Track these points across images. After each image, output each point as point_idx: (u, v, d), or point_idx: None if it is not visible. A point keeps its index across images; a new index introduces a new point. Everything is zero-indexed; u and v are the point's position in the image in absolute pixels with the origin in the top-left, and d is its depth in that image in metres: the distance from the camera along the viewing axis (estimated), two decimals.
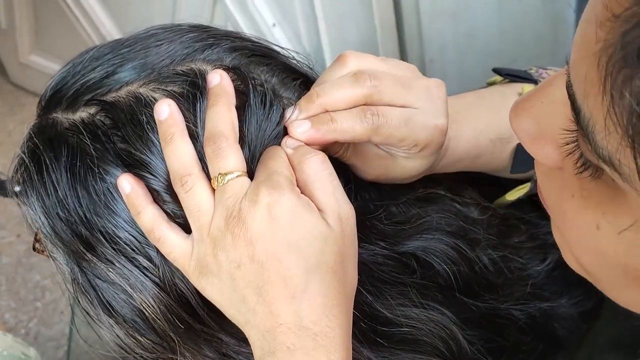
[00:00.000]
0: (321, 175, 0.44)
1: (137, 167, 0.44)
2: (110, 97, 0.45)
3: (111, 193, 0.45)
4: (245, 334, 0.43)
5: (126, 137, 0.44)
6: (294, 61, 0.50)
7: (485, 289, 0.52)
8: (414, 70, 0.48)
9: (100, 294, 0.47)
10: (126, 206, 0.44)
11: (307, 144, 0.45)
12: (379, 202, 0.49)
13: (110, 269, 0.46)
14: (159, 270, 0.45)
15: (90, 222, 0.45)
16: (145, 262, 0.45)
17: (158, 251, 0.45)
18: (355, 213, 0.44)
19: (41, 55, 1.89)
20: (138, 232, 0.45)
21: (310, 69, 0.51)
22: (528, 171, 0.54)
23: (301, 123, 0.45)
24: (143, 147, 0.44)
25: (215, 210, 0.43)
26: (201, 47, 0.47)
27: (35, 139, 0.46)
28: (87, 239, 0.45)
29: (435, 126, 0.46)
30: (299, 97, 0.48)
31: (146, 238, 0.45)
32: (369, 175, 0.49)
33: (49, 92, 0.48)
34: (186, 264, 0.44)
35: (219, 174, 0.43)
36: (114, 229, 0.45)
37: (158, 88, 0.45)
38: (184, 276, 0.45)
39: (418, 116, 0.46)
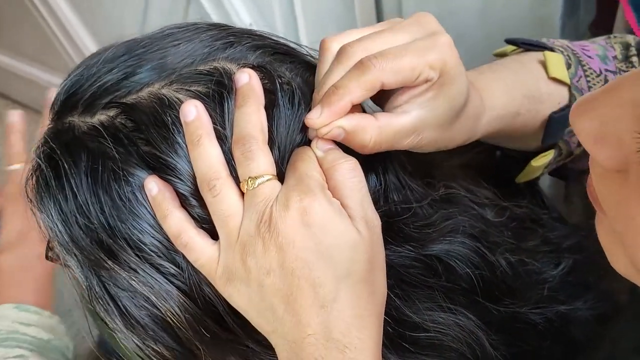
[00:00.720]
0: (351, 182, 0.42)
1: (163, 171, 0.43)
2: (130, 99, 0.44)
3: (136, 196, 0.43)
4: (272, 342, 0.42)
5: (150, 140, 0.43)
6: (315, 60, 0.49)
7: (504, 293, 0.51)
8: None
9: (119, 304, 0.45)
10: (151, 210, 0.43)
11: (333, 131, 0.43)
12: (406, 205, 0.48)
13: (133, 278, 0.44)
14: (185, 276, 0.44)
15: (113, 229, 0.43)
16: (171, 269, 0.44)
17: (185, 258, 0.44)
18: (382, 216, 0.44)
19: (4, 53, 1.86)
20: (164, 237, 0.43)
21: None
22: (560, 138, 0.54)
23: (314, 111, 0.43)
24: (169, 149, 0.43)
25: (245, 215, 0.42)
26: (222, 46, 0.46)
27: (51, 143, 0.45)
28: (108, 247, 0.44)
29: (439, 42, 0.43)
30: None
31: (172, 244, 0.43)
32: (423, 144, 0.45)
33: (63, 95, 0.46)
34: (213, 271, 0.43)
35: (249, 177, 0.41)
36: (138, 234, 0.43)
37: (181, 89, 0.44)
38: (211, 283, 0.44)
39: (418, 41, 0.43)
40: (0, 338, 0.68)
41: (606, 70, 0.54)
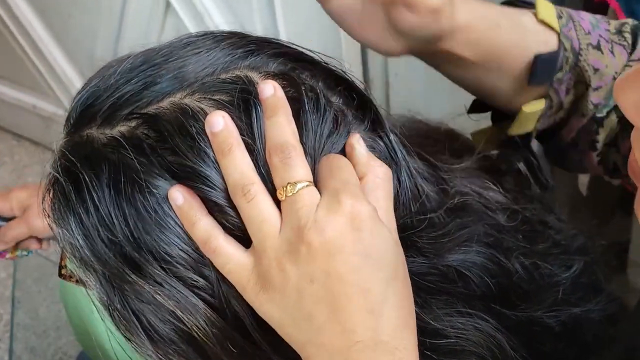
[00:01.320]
0: (384, 187, 0.44)
1: (192, 179, 0.42)
2: (152, 110, 0.43)
3: (162, 208, 0.42)
4: (303, 354, 0.41)
5: (176, 149, 0.42)
6: (333, 67, 0.49)
7: (520, 298, 0.51)
8: None
9: (142, 318, 0.44)
10: (178, 221, 0.42)
11: None
12: (422, 216, 0.48)
13: (159, 291, 0.43)
14: (214, 289, 0.43)
15: (138, 241, 0.42)
16: (199, 281, 0.43)
17: (213, 268, 0.43)
18: (398, 229, 0.44)
19: None
20: (192, 248, 0.43)
21: (347, 76, 0.50)
22: (544, 84, 0.54)
23: None
24: (197, 158, 0.42)
25: (284, 221, 0.41)
26: (243, 54, 0.45)
27: (69, 156, 0.44)
28: (133, 260, 0.43)
29: None
30: (344, 104, 0.47)
31: (200, 255, 0.43)
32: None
33: (79, 107, 0.45)
34: (244, 278, 0.42)
35: (288, 183, 0.41)
36: (165, 246, 0.42)
37: (204, 98, 0.43)
38: (239, 295, 0.43)
39: None
40: None
41: (597, 35, 0.55)
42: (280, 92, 0.43)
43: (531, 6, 0.55)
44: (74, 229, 0.43)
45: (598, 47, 0.54)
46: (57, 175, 0.44)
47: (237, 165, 0.41)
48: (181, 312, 0.43)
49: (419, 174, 0.49)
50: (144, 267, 0.43)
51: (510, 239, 0.52)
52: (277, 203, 0.42)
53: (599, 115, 0.56)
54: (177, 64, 0.44)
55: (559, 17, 0.55)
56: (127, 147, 0.42)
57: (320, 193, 0.42)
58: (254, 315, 0.43)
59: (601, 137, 0.57)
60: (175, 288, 0.43)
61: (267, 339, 0.44)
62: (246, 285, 0.41)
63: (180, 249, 0.42)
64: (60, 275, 0.49)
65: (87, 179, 0.43)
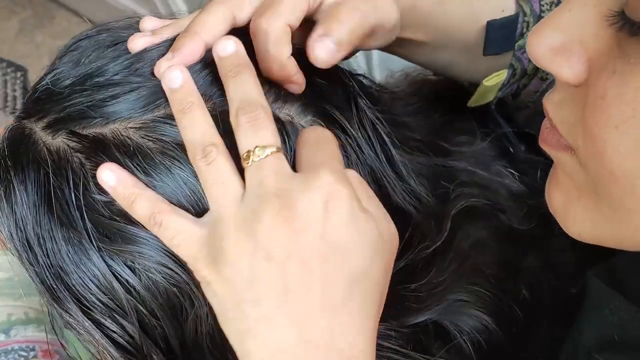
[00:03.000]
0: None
1: (118, 237, 0.40)
2: (93, 133, 0.40)
3: (83, 245, 0.40)
4: (240, 348, 0.36)
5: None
6: None
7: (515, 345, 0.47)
8: None
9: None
10: (97, 263, 0.40)
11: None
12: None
13: (76, 327, 0.42)
14: (133, 339, 0.41)
15: (57, 272, 0.41)
16: (115, 330, 0.41)
17: (136, 319, 0.40)
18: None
19: None
20: (109, 297, 0.40)
21: None
22: (502, 52, 0.50)
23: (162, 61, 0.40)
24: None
25: (248, 188, 0.36)
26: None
27: (7, 153, 0.41)
28: (51, 288, 0.41)
29: None
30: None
31: (118, 305, 0.40)
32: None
33: (35, 95, 0.42)
34: (194, 250, 0.37)
35: (256, 146, 0.36)
36: (80, 288, 0.40)
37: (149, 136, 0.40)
38: (160, 351, 0.41)
39: None
40: None
41: None
42: (243, 50, 0.39)
43: None
44: (5, 231, 0.42)
45: None
46: None
47: (198, 123, 0.37)
48: (96, 346, 0.42)
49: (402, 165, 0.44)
50: (62, 300, 0.41)
51: (524, 258, 0.48)
52: (241, 171, 0.37)
53: None
54: (138, 86, 0.40)
55: None
56: (59, 169, 0.39)
57: (297, 166, 0.38)
58: None
59: None
60: (87, 330, 0.41)
61: None
62: (197, 256, 0.37)
63: (97, 299, 0.40)
64: None
65: (16, 192, 0.40)
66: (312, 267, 0.35)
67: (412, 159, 0.46)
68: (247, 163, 0.36)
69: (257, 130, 0.36)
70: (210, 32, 0.40)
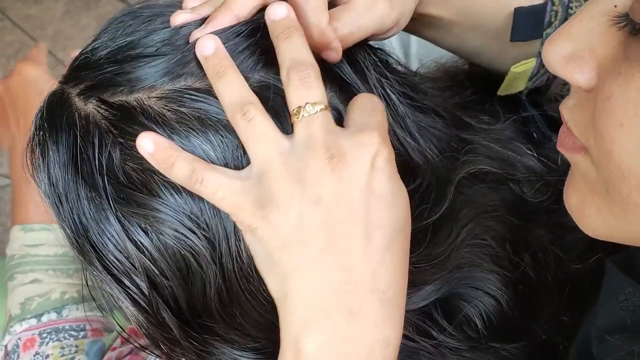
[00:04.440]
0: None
1: (138, 197, 0.42)
2: (118, 100, 0.42)
3: (105, 212, 0.42)
4: (286, 286, 0.38)
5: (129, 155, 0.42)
6: None
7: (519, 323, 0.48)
8: None
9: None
10: (115, 227, 0.42)
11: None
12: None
13: (99, 280, 0.45)
14: (145, 295, 0.44)
15: (82, 229, 0.43)
16: (130, 287, 0.44)
17: (145, 277, 0.43)
18: None
19: None
20: (124, 256, 0.43)
21: None
22: (530, 39, 0.51)
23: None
24: (146, 175, 0.41)
25: (298, 141, 0.38)
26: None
27: (45, 116, 0.44)
28: (77, 244, 0.44)
29: None
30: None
31: (132, 264, 0.43)
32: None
33: (76, 62, 0.45)
34: (239, 200, 0.38)
35: (307, 103, 0.38)
36: (101, 246, 0.43)
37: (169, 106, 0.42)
38: (169, 307, 0.43)
39: None
40: (14, 264, 0.68)
41: None
42: (293, 14, 0.41)
43: None
44: (41, 189, 0.45)
45: None
46: (34, 132, 0.45)
47: (234, 85, 0.39)
48: (116, 303, 0.45)
49: (417, 127, 0.46)
50: (87, 254, 0.44)
51: (532, 229, 0.49)
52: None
53: None
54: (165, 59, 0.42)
55: None
56: (87, 133, 0.42)
57: (346, 124, 0.40)
58: (180, 326, 0.44)
59: None
60: (109, 285, 0.44)
61: (194, 347, 0.44)
62: (243, 205, 0.38)
63: (114, 256, 0.43)
64: None
65: (50, 152, 0.43)
66: (357, 214, 0.37)
67: (426, 120, 0.47)
68: (297, 118, 0.38)
69: (308, 88, 0.38)
70: (244, 7, 0.42)
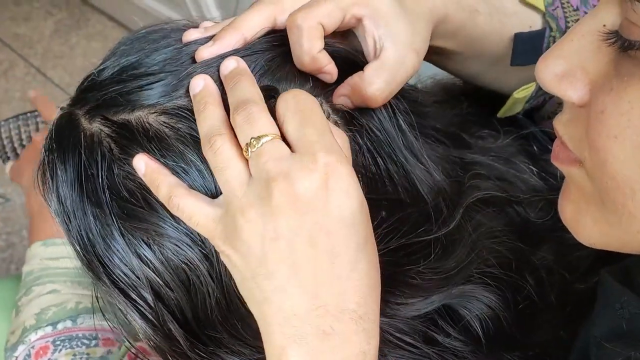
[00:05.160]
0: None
1: (137, 218, 0.44)
2: (121, 119, 0.44)
3: (110, 229, 0.44)
4: (260, 315, 0.40)
5: (130, 174, 0.43)
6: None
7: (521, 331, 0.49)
8: None
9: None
10: (121, 244, 0.44)
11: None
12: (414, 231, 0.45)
13: (108, 295, 0.46)
14: (152, 307, 0.45)
15: (90, 245, 0.45)
16: (137, 300, 0.45)
17: (151, 290, 0.44)
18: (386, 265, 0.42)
19: None
20: (130, 270, 0.44)
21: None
22: (529, 64, 0.52)
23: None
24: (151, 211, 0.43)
25: (253, 174, 0.39)
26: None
27: (54, 137, 0.46)
28: (85, 259, 0.46)
29: None
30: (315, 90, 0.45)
31: (137, 277, 0.44)
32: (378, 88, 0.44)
33: (84, 84, 0.46)
34: (211, 228, 0.40)
35: (252, 138, 0.39)
36: (108, 262, 0.45)
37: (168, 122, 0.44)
38: (175, 318, 0.45)
39: None
40: (33, 277, 0.69)
41: (584, 11, 0.53)
42: (242, 64, 0.43)
43: None
44: (52, 208, 0.46)
45: None
46: (44, 155, 0.46)
47: (208, 118, 0.41)
48: (125, 317, 0.46)
49: (414, 154, 0.46)
50: (96, 270, 0.45)
51: (536, 249, 0.50)
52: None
53: None
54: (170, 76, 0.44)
55: None
56: (91, 152, 0.43)
57: (287, 140, 0.40)
58: (187, 338, 0.45)
59: None
60: (117, 299, 0.45)
61: (201, 359, 0.45)
62: (214, 234, 0.40)
63: (120, 270, 0.44)
64: None
65: (59, 172, 0.45)
66: (319, 242, 0.38)
67: (430, 148, 0.48)
68: (247, 154, 0.39)
69: (250, 124, 0.39)
70: (251, 29, 0.44)
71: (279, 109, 0.41)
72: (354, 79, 0.44)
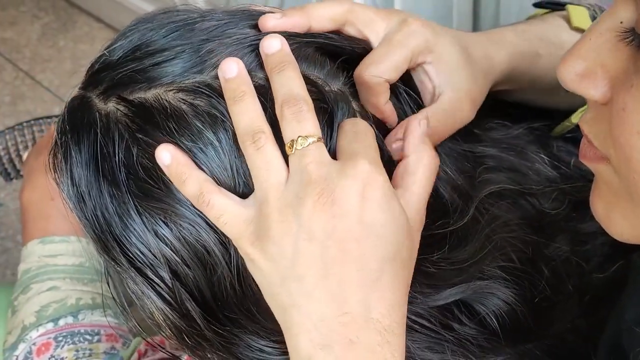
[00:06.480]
0: (423, 173, 0.42)
1: (154, 196, 0.43)
2: (137, 98, 0.43)
3: (127, 207, 0.43)
4: (285, 320, 0.40)
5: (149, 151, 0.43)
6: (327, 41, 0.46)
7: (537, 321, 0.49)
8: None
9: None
10: (138, 224, 0.43)
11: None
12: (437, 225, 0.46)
13: (122, 275, 0.46)
14: (169, 287, 0.45)
15: (106, 225, 0.44)
16: (154, 279, 0.44)
17: (168, 268, 0.44)
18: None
19: None
20: (148, 249, 0.44)
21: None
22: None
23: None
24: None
25: (292, 174, 0.40)
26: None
27: (67, 119, 0.46)
28: (101, 240, 0.45)
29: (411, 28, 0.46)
30: (349, 84, 0.46)
31: (155, 256, 0.44)
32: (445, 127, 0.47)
33: (96, 66, 0.46)
34: (240, 228, 0.40)
35: (299, 136, 0.39)
36: (125, 241, 0.44)
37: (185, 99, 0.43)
38: (193, 297, 0.44)
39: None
40: (31, 275, 0.68)
41: None
42: (287, 48, 0.42)
43: (562, 7, 0.55)
44: (64, 192, 0.46)
45: None
46: (56, 138, 0.46)
47: (249, 111, 0.40)
48: (139, 300, 0.46)
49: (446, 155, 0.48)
50: (111, 250, 0.45)
51: (551, 240, 0.50)
52: (286, 158, 0.41)
53: None
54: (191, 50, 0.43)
55: (593, 18, 0.53)
56: (107, 131, 0.43)
57: (336, 154, 0.41)
58: (204, 317, 0.44)
59: None
60: (133, 279, 0.45)
61: (219, 339, 0.45)
62: (243, 234, 0.40)
63: (137, 249, 0.44)
64: None
65: (72, 153, 0.44)
66: (349, 248, 0.38)
67: (441, 144, 0.48)
68: (291, 151, 0.40)
69: (300, 122, 0.40)
70: (320, 20, 0.45)
71: (338, 132, 0.42)
72: (412, 123, 0.44)
